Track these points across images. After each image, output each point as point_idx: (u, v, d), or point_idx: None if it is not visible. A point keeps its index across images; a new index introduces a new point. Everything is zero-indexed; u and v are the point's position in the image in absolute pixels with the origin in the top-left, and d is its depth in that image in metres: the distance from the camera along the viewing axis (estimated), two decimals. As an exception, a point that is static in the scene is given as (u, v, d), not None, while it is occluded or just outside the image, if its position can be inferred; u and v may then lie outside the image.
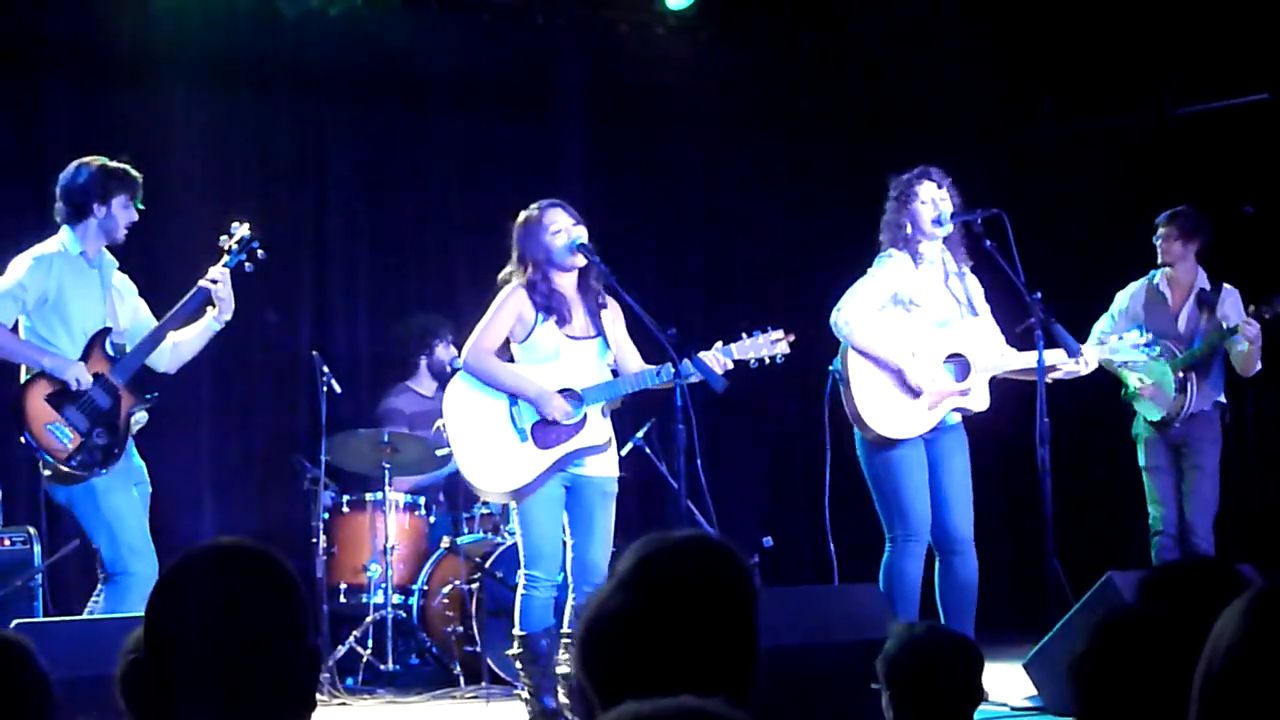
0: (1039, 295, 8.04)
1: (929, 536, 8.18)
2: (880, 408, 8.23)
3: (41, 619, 8.04)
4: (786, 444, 12.18)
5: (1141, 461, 9.64)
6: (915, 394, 8.18)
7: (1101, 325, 9.55)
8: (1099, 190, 12.07)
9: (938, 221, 8.26)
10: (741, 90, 11.84)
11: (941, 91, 11.94)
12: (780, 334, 7.78)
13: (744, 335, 7.73)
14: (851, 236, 10.58)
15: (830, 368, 8.34)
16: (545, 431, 7.59)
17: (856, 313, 8.22)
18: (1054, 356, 8.17)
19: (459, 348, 10.09)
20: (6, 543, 8.51)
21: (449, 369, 10.33)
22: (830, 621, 6.80)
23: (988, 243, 8.19)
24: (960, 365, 8.25)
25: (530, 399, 7.56)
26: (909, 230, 8.31)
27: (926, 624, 4.58)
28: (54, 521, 9.42)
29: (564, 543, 7.60)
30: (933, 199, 8.27)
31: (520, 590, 7.54)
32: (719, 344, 7.65)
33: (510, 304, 7.60)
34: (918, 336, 8.26)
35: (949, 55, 11.81)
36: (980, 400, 8.22)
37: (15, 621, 6.73)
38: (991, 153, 11.96)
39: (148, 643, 2.62)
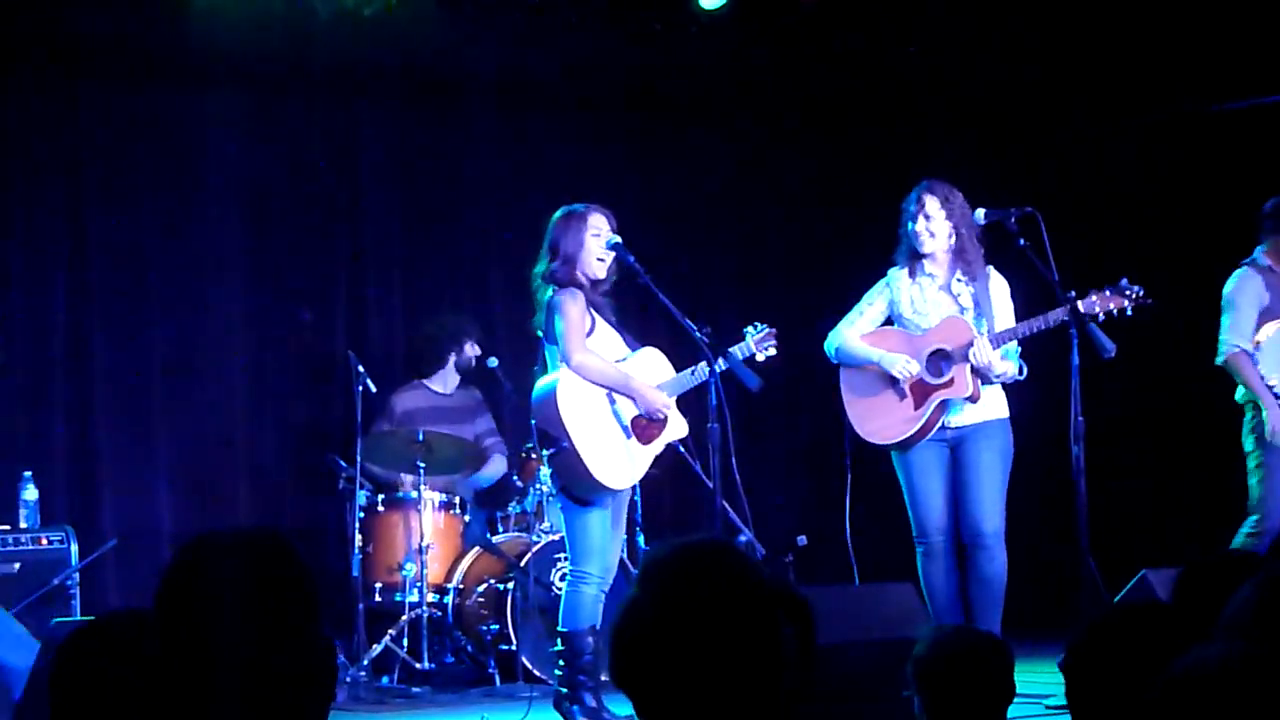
0: (1073, 294, 8.04)
1: (941, 538, 8.28)
2: (866, 415, 8.41)
3: (79, 618, 8.08)
4: (821, 442, 12.16)
5: (1249, 447, 9.35)
6: (900, 393, 8.30)
7: (1232, 325, 9.08)
8: (1132, 188, 12.05)
9: (916, 238, 8.39)
10: (775, 90, 11.84)
11: (975, 90, 11.93)
12: (767, 329, 8.03)
13: (747, 333, 8.00)
14: (886, 235, 10.58)
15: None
16: (642, 427, 7.65)
17: (839, 334, 8.57)
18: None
19: (483, 348, 10.17)
20: (44, 542, 8.55)
21: (473, 364, 10.39)
22: (865, 620, 6.80)
23: (1021, 241, 8.19)
24: (943, 361, 8.32)
25: (640, 395, 7.63)
26: (906, 245, 8.44)
27: (955, 625, 4.58)
28: (90, 521, 9.50)
29: None
30: (923, 214, 8.38)
31: (566, 585, 7.53)
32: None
33: (575, 305, 7.55)
34: (897, 343, 8.38)
35: (982, 54, 11.79)
36: (962, 388, 8.28)
37: (53, 620, 6.77)
38: (1025, 151, 11.94)
39: (157, 631, 2.61)
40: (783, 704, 2.67)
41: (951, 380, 8.29)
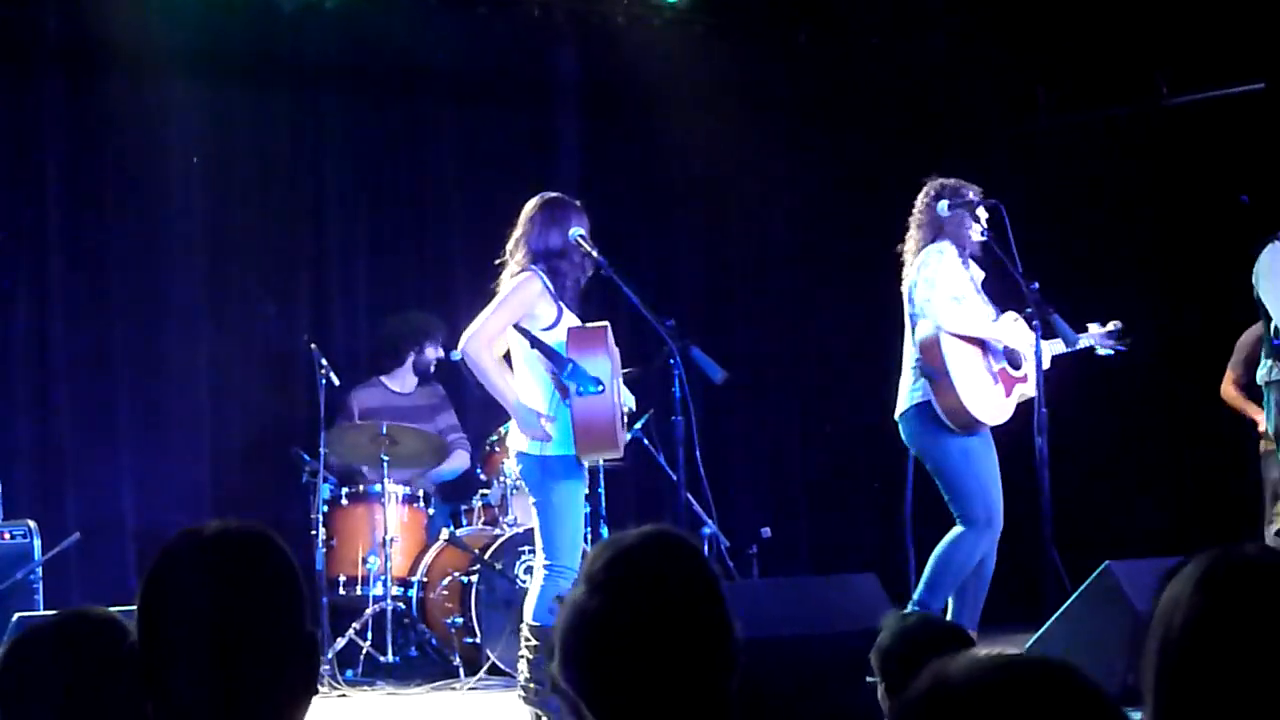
0: (1036, 285, 8.07)
1: (998, 524, 8.24)
2: (978, 394, 8.21)
3: (42, 612, 8.07)
4: (785, 434, 12.20)
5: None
6: (993, 376, 8.23)
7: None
8: (1095, 180, 12.08)
9: (979, 233, 8.32)
10: (738, 83, 11.84)
11: (938, 83, 11.95)
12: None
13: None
14: (847, 228, 10.62)
15: (915, 367, 8.22)
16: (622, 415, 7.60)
17: (942, 299, 8.19)
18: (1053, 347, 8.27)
19: (447, 350, 10.09)
20: (7, 536, 8.52)
21: (432, 369, 10.36)
22: (829, 612, 6.81)
23: (985, 233, 8.23)
24: (1012, 355, 8.33)
25: (515, 412, 7.39)
26: (971, 239, 8.33)
27: (918, 614, 4.57)
28: (53, 516, 9.47)
29: None
30: (981, 221, 8.33)
31: (541, 580, 7.42)
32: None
33: (523, 293, 7.38)
34: (985, 327, 8.32)
35: (945, 47, 11.82)
36: (1032, 386, 8.29)
37: (16, 615, 6.75)
38: (988, 144, 11.97)
39: (140, 628, 2.60)
40: (730, 698, 2.68)
41: (1026, 376, 8.31)
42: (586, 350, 7.33)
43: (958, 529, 8.18)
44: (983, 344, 8.29)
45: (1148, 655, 2.23)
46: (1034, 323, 8.06)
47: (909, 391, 8.29)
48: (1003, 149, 12.04)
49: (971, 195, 8.34)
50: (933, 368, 8.21)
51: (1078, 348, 8.28)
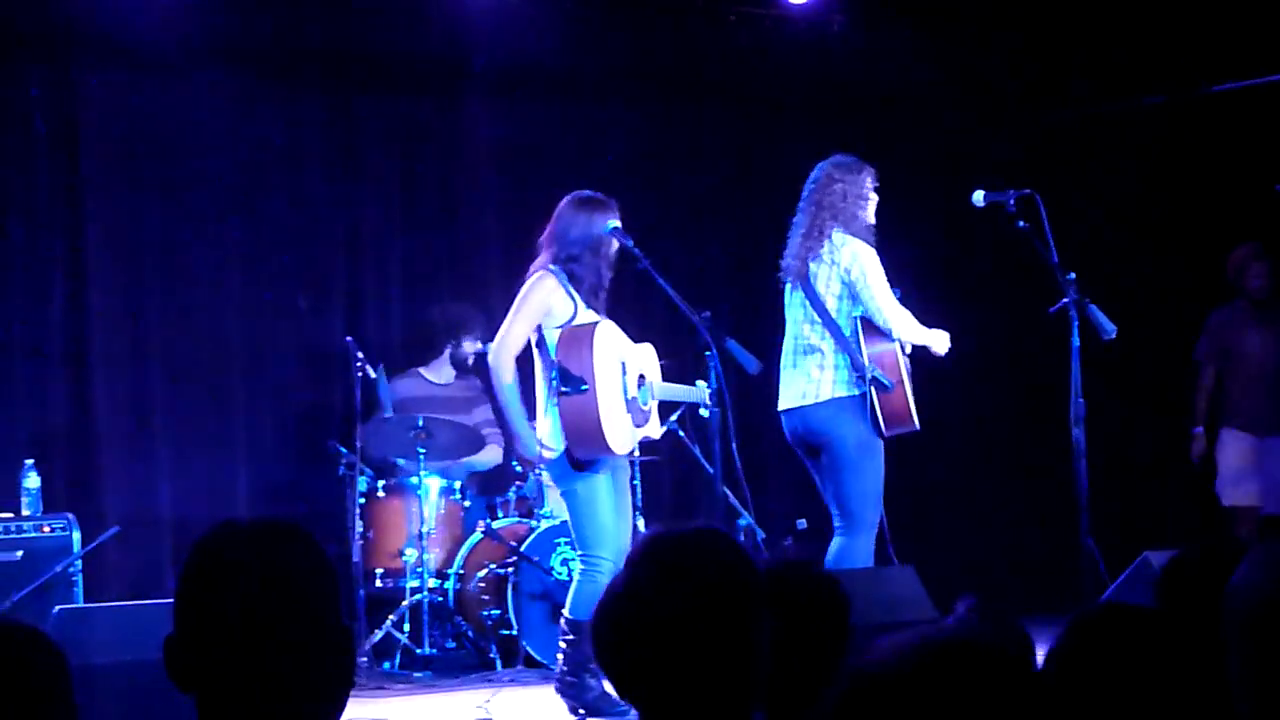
0: (1073, 275, 8.04)
1: None
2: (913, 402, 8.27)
3: (82, 605, 8.11)
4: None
5: None
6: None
7: None
8: (1131, 170, 12.05)
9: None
10: (772, 73, 11.82)
11: (973, 72, 11.91)
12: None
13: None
14: (882, 221, 10.57)
15: (873, 376, 8.17)
16: (635, 410, 7.61)
17: (898, 309, 8.24)
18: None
19: (484, 343, 10.09)
20: (46, 529, 8.56)
21: (470, 361, 10.35)
22: (865, 604, 6.80)
23: (1021, 223, 8.19)
24: None
25: (518, 437, 7.58)
26: (868, 223, 8.33)
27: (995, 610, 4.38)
28: (93, 508, 9.51)
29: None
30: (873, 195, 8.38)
31: (579, 575, 7.46)
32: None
33: (537, 295, 7.52)
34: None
35: (979, 36, 11.78)
36: None
37: (56, 608, 6.78)
38: (1023, 133, 11.93)
39: (177, 621, 2.63)
40: (762, 691, 2.69)
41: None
42: (572, 351, 7.43)
43: (842, 540, 8.18)
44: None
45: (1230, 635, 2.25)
46: (1071, 313, 8.04)
47: (835, 383, 8.24)
48: (1037, 138, 12.00)
49: (867, 179, 8.38)
50: (890, 378, 8.18)
51: (1111, 336, 8.21)
